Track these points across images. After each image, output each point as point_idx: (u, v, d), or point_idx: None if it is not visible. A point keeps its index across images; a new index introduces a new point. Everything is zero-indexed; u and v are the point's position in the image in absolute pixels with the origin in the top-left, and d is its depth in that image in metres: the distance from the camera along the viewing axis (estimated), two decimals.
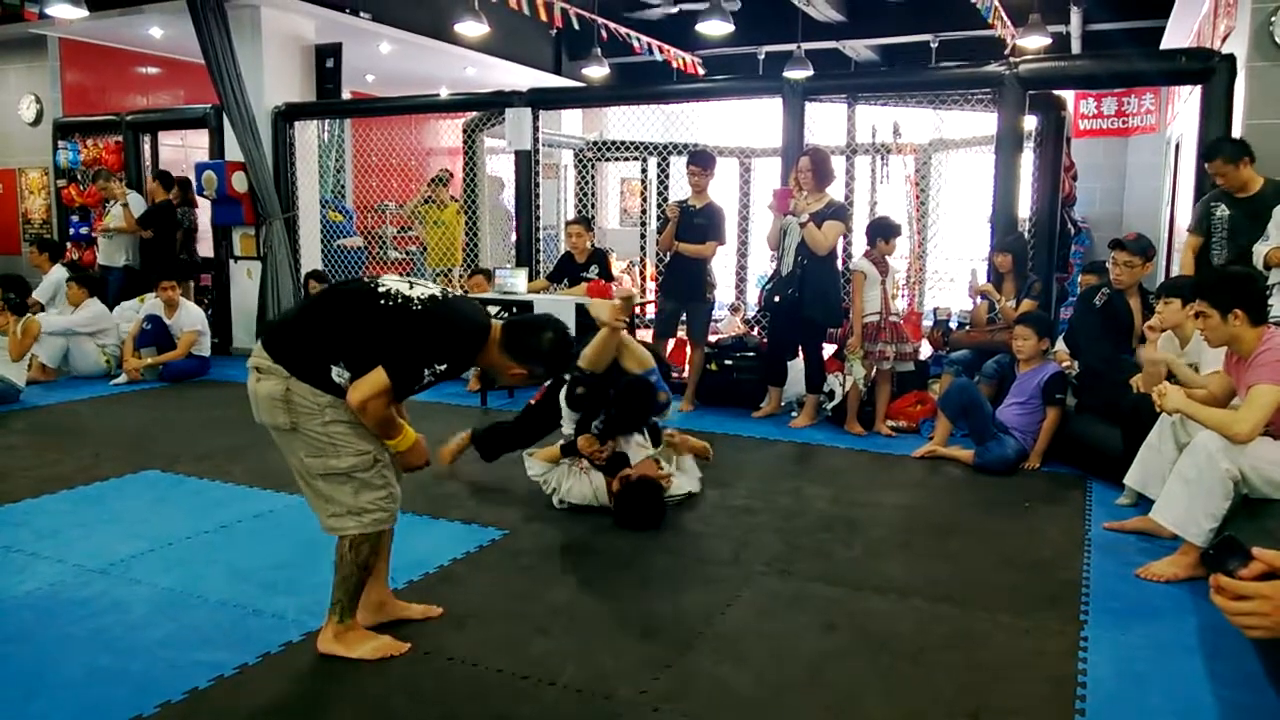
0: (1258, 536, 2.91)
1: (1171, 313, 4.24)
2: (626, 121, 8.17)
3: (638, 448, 4.23)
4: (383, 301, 2.67)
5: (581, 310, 6.09)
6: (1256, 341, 3.43)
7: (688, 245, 6.12)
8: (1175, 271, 7.18)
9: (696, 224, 6.11)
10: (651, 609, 3.16)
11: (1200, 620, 3.09)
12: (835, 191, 5.94)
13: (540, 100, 7.63)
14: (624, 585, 3.40)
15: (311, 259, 8.75)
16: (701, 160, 6.17)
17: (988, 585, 3.40)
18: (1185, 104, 7.56)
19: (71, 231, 9.61)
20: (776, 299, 5.82)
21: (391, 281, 2.75)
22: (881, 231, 5.71)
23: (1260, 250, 4.64)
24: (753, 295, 9.21)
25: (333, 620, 2.78)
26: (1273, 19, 5.23)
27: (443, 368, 2.67)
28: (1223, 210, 4.95)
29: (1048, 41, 9.32)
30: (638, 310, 6.66)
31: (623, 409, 4.18)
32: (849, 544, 3.82)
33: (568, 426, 4.31)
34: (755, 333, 6.93)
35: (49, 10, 7.79)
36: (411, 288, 2.73)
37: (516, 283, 6.57)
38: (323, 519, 2.71)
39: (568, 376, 4.20)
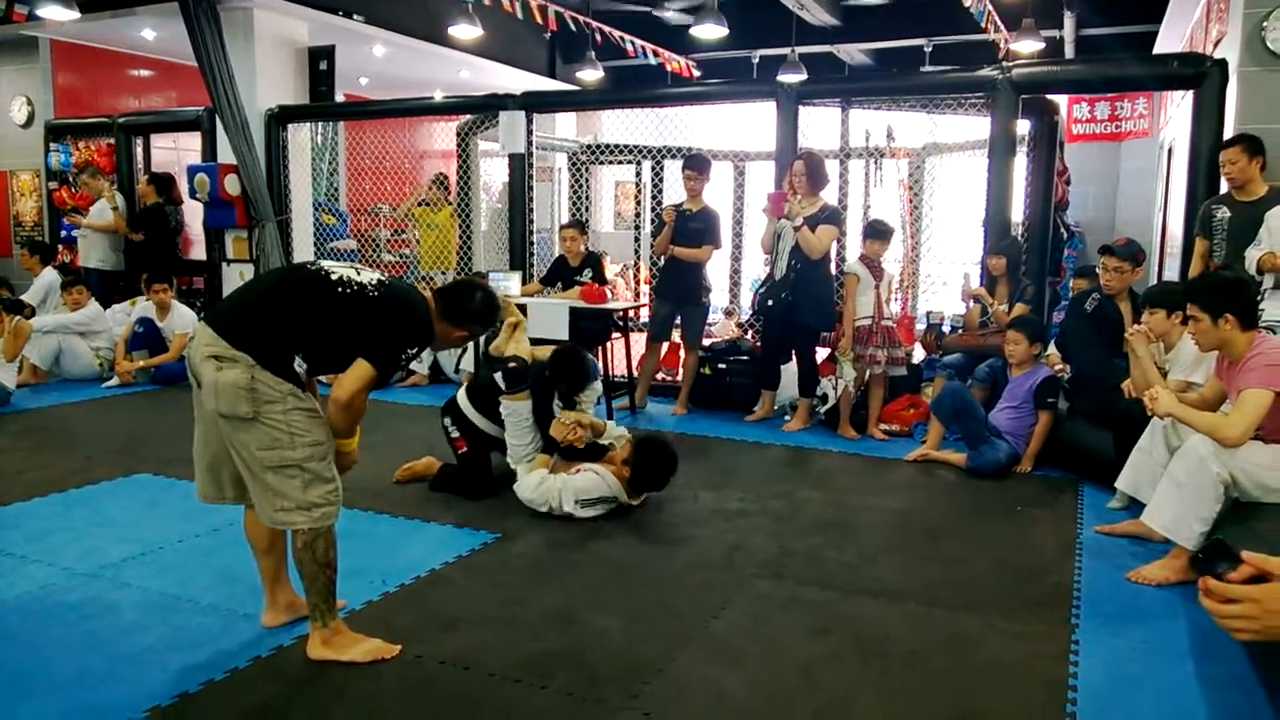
0: (1247, 540, 2.92)
1: (1157, 322, 4.26)
2: (620, 125, 8.16)
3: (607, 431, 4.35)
4: (340, 289, 2.68)
5: (575, 314, 6.10)
6: (1247, 346, 3.44)
7: (683, 249, 6.13)
8: (1170, 276, 7.22)
9: (692, 228, 6.12)
10: (644, 613, 3.16)
11: (1191, 623, 3.10)
12: (829, 195, 5.94)
13: (534, 103, 7.63)
14: (616, 589, 3.39)
15: None
16: (697, 164, 6.18)
17: (980, 589, 3.40)
18: (1178, 109, 7.59)
19: (63, 234, 9.58)
20: (770, 303, 5.83)
21: (339, 268, 2.77)
22: (872, 233, 5.72)
23: (1252, 255, 4.66)
24: (746, 299, 9.22)
25: (316, 627, 2.77)
26: (1265, 24, 5.25)
27: (415, 349, 2.77)
28: (1223, 212, 4.97)
29: (1041, 46, 9.36)
30: (631, 314, 6.65)
31: (563, 371, 4.31)
32: (842, 548, 3.82)
33: (518, 453, 4.36)
34: (749, 336, 6.94)
35: (40, 12, 7.78)
36: (359, 273, 2.76)
37: (510, 286, 6.57)
38: (269, 513, 2.68)
39: (498, 373, 4.30)
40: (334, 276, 2.72)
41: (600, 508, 4.08)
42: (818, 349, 6.03)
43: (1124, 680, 2.74)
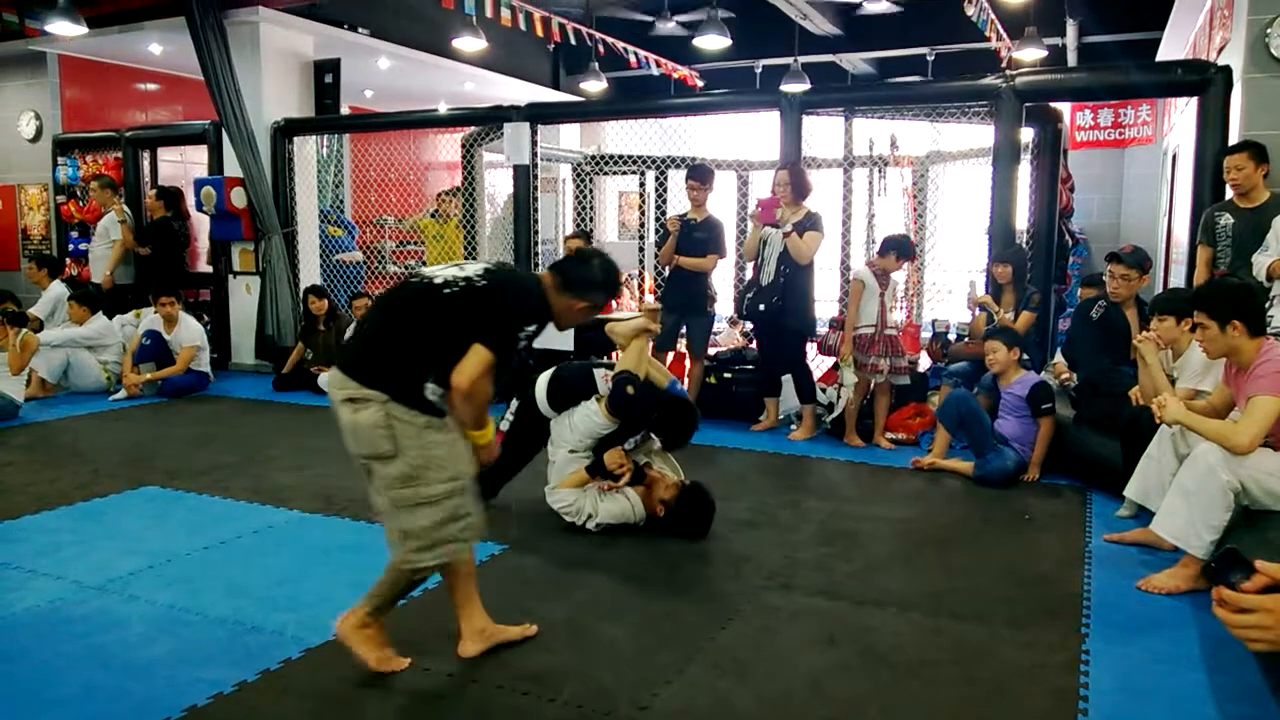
0: (1259, 548, 2.91)
1: (1165, 329, 4.24)
2: (624, 135, 8.19)
3: (658, 457, 4.23)
4: (446, 291, 2.63)
5: (585, 324, 6.09)
6: (1255, 353, 3.43)
7: (688, 259, 6.14)
8: (1176, 283, 7.20)
9: (696, 237, 6.14)
10: (651, 624, 3.15)
11: (1202, 633, 3.08)
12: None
13: (538, 115, 7.66)
14: (624, 600, 3.39)
15: (310, 274, 8.76)
16: (700, 175, 6.21)
17: (988, 598, 3.39)
18: (1182, 115, 7.59)
19: (70, 248, 9.62)
20: (761, 307, 5.85)
21: (443, 271, 2.72)
22: (898, 248, 5.70)
23: (1261, 262, 4.64)
24: None
25: (364, 610, 2.72)
26: (1268, 30, 5.25)
27: (532, 328, 2.70)
28: (1226, 219, 4.97)
29: (1044, 54, 9.37)
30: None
31: (670, 427, 4.12)
32: (849, 558, 3.81)
33: (562, 451, 4.15)
34: (754, 345, 6.93)
35: (49, 27, 7.83)
36: (463, 269, 2.71)
37: None
38: (401, 554, 2.62)
39: (611, 379, 4.05)
40: (438, 281, 2.66)
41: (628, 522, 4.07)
42: (809, 353, 6.07)
43: (1135, 690, 2.72)
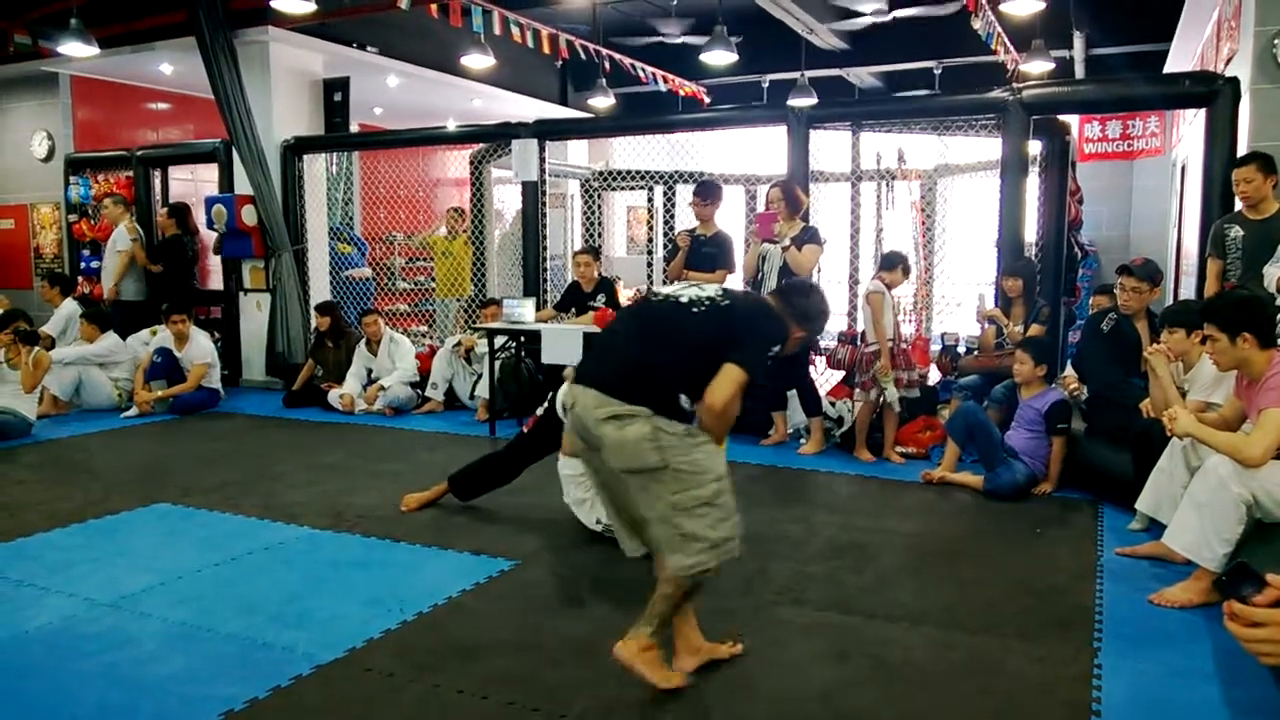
0: (1271, 561, 2.89)
1: (1176, 341, 4.23)
2: (632, 151, 8.22)
3: None
4: (694, 311, 2.74)
5: (589, 339, 6.11)
6: (1266, 365, 3.42)
7: (697, 274, 6.16)
8: (1186, 294, 7.19)
9: (705, 252, 6.16)
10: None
11: (1215, 646, 3.06)
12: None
13: (546, 131, 7.69)
14: (635, 615, 3.36)
15: (320, 291, 8.80)
16: (704, 192, 6.23)
17: (1000, 612, 3.38)
18: (1190, 126, 7.58)
19: (83, 266, 9.68)
20: None
21: (684, 290, 2.83)
22: (901, 262, 5.73)
23: (1271, 273, 4.62)
24: None
25: (645, 632, 2.72)
26: (1276, 41, 5.25)
27: (776, 349, 2.85)
28: (1236, 231, 4.96)
29: (1051, 66, 9.37)
30: None
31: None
32: (860, 571, 3.80)
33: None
34: None
35: (62, 48, 7.91)
36: (702, 289, 2.82)
37: (524, 312, 6.59)
38: (682, 561, 2.61)
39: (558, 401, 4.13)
40: (684, 300, 2.77)
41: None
42: (816, 366, 6.06)
43: (1148, 704, 2.71)
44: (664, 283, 7.30)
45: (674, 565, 2.64)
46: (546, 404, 4.48)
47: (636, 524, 2.79)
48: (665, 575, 2.69)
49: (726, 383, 2.64)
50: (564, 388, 3.99)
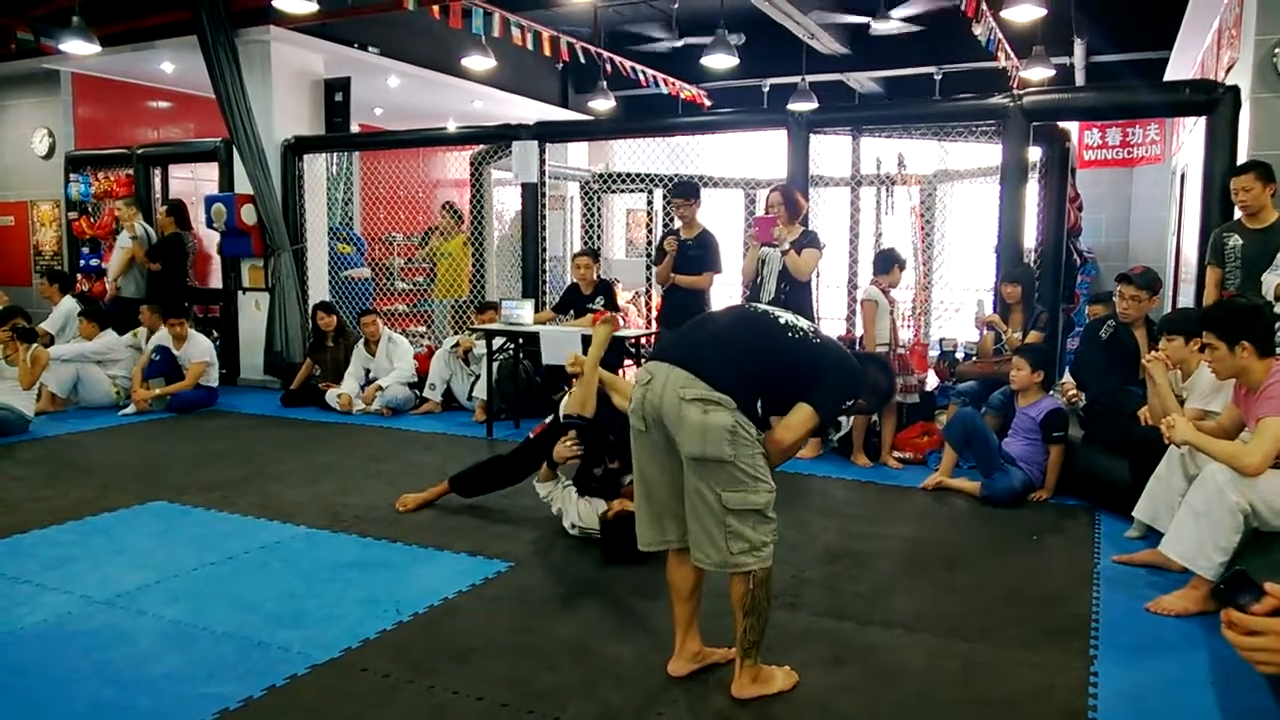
0: (1269, 570, 2.89)
1: (1175, 349, 4.24)
2: (632, 153, 8.22)
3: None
4: (789, 334, 2.76)
5: (587, 342, 6.11)
6: (1265, 373, 3.43)
7: (684, 277, 6.15)
8: (1185, 302, 7.19)
9: (692, 255, 6.14)
10: (657, 643, 3.14)
11: (1212, 655, 3.06)
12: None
13: (546, 134, 7.69)
14: (630, 619, 3.38)
15: (319, 290, 8.80)
16: (682, 192, 6.20)
17: (996, 619, 3.37)
18: (1190, 134, 7.59)
19: (82, 263, 9.68)
20: None
21: (780, 313, 2.85)
22: (896, 259, 5.77)
23: (1270, 281, 4.62)
24: None
25: (747, 665, 2.73)
26: (1276, 50, 5.26)
27: (851, 403, 2.89)
28: (1235, 240, 4.96)
29: (1051, 73, 9.39)
30: (643, 342, 6.64)
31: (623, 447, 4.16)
32: (856, 577, 3.79)
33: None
34: None
35: (63, 46, 7.91)
36: (795, 318, 2.84)
37: (523, 314, 6.59)
38: (723, 557, 2.62)
39: (561, 422, 4.22)
40: (781, 320, 2.80)
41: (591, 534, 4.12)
42: None
43: (1144, 712, 2.71)
44: (649, 287, 7.29)
45: (720, 563, 2.63)
46: (553, 415, 4.51)
47: (667, 515, 2.77)
48: (736, 604, 2.69)
49: (800, 421, 2.69)
50: (578, 382, 4.08)
